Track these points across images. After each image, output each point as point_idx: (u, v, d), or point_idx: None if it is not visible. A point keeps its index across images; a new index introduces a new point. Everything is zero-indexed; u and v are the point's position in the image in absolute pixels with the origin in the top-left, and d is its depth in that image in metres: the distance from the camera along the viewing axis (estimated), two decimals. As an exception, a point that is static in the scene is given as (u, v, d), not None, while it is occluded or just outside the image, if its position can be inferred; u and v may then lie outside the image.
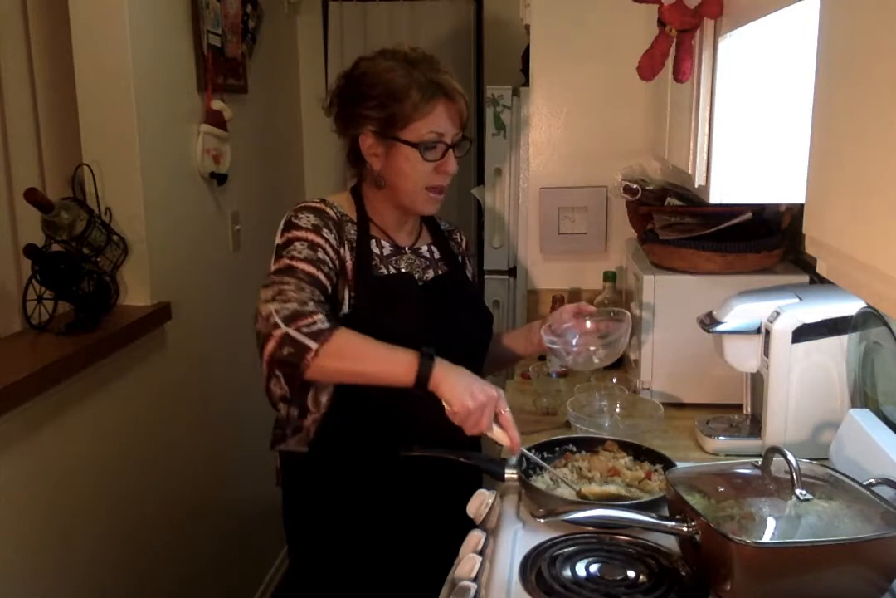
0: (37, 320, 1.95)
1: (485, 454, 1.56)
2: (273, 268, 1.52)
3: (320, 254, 1.52)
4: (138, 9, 2.11)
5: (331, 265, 1.53)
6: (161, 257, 2.23)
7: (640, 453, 1.55)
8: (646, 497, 1.41)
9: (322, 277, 1.50)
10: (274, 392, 1.63)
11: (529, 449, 1.52)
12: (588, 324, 1.72)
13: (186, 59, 2.40)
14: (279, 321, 1.40)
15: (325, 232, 1.55)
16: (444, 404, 1.40)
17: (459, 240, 1.81)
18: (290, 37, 3.42)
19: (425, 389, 1.40)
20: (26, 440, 1.75)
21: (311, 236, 1.53)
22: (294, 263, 1.50)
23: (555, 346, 1.69)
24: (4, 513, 1.69)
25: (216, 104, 2.50)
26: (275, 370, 1.58)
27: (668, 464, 1.49)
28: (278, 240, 1.56)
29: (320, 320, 1.41)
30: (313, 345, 1.39)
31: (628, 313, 1.72)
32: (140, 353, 2.16)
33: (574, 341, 1.70)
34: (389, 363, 1.42)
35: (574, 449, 1.56)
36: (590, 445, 1.57)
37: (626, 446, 1.56)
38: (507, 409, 1.44)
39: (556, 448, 1.56)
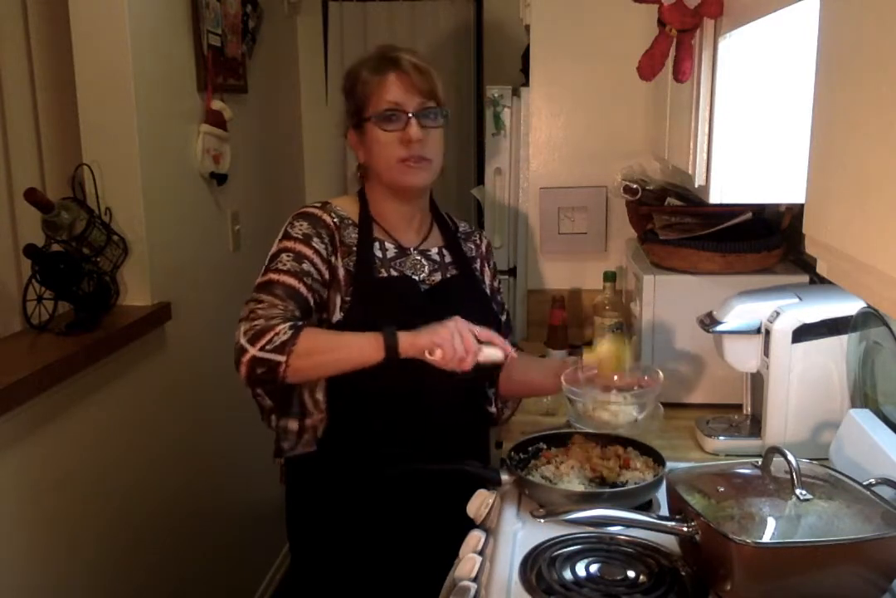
0: (37, 320, 1.95)
1: (478, 461, 1.56)
2: (256, 282, 1.56)
3: (305, 265, 1.54)
4: (138, 9, 2.11)
5: (316, 276, 1.55)
6: (161, 257, 2.23)
7: (608, 442, 1.55)
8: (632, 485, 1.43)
9: (303, 288, 1.53)
10: (264, 407, 1.66)
11: (509, 451, 1.54)
12: (615, 377, 1.58)
13: (186, 59, 2.40)
14: (245, 345, 1.45)
15: (314, 242, 1.56)
16: (426, 357, 1.41)
17: (479, 242, 1.78)
18: (290, 37, 3.41)
19: (398, 356, 1.42)
20: (26, 440, 1.75)
21: (299, 247, 1.55)
22: (275, 276, 1.53)
23: (575, 398, 1.57)
24: (5, 513, 1.70)
25: (216, 104, 2.50)
26: (256, 389, 1.63)
27: (636, 446, 1.52)
28: (272, 249, 1.59)
29: (282, 332, 1.44)
30: (281, 358, 1.43)
31: (661, 374, 1.59)
32: (140, 353, 2.16)
33: (597, 395, 1.56)
34: (355, 345, 1.45)
35: (545, 447, 1.56)
36: (559, 440, 1.58)
37: (592, 437, 1.57)
38: (476, 327, 1.45)
39: (529, 448, 1.57)
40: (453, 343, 1.40)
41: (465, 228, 1.78)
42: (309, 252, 1.55)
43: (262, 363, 1.44)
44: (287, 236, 1.58)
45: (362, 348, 1.43)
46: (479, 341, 1.44)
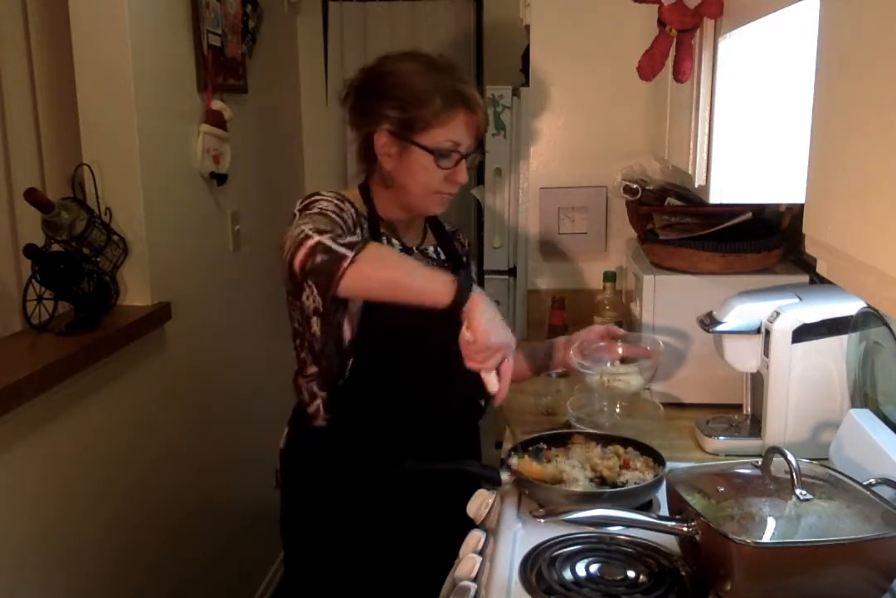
0: (37, 320, 1.95)
1: (477, 462, 1.56)
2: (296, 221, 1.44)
3: (345, 215, 1.51)
4: (138, 9, 2.11)
5: (351, 228, 1.51)
6: (161, 257, 2.23)
7: (609, 441, 1.56)
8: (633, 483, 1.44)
9: (343, 226, 1.48)
10: (307, 307, 1.57)
11: (509, 451, 1.53)
12: (620, 350, 1.75)
13: (186, 59, 2.40)
14: (311, 232, 1.34)
15: (345, 206, 1.54)
16: (464, 328, 1.35)
17: (463, 241, 1.81)
18: (290, 37, 3.41)
19: (458, 309, 1.33)
20: (27, 440, 1.75)
21: (335, 201, 1.52)
22: (316, 210, 1.48)
23: (587, 371, 1.70)
24: (5, 513, 1.70)
25: (216, 104, 2.50)
26: (307, 281, 1.41)
27: (636, 446, 1.53)
28: (298, 207, 1.52)
29: (354, 237, 1.38)
30: (349, 253, 1.32)
31: (661, 343, 1.72)
32: (140, 353, 2.16)
33: (608, 367, 1.71)
34: (428, 276, 1.37)
35: (546, 447, 1.56)
36: (560, 440, 1.58)
37: (592, 437, 1.58)
38: (512, 360, 1.41)
39: (530, 448, 1.56)
40: (487, 351, 1.35)
41: (449, 227, 1.80)
42: (343, 207, 1.53)
43: (327, 251, 1.31)
44: (317, 195, 1.53)
45: (433, 284, 1.34)
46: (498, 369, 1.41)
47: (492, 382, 1.41)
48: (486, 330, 1.34)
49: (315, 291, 1.53)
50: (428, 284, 1.35)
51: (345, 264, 1.31)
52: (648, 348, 1.74)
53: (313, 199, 1.53)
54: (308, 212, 1.48)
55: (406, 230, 1.67)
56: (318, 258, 1.32)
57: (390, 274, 1.37)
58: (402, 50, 1.64)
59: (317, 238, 1.33)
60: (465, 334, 1.35)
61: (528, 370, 1.84)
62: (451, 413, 1.65)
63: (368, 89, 1.60)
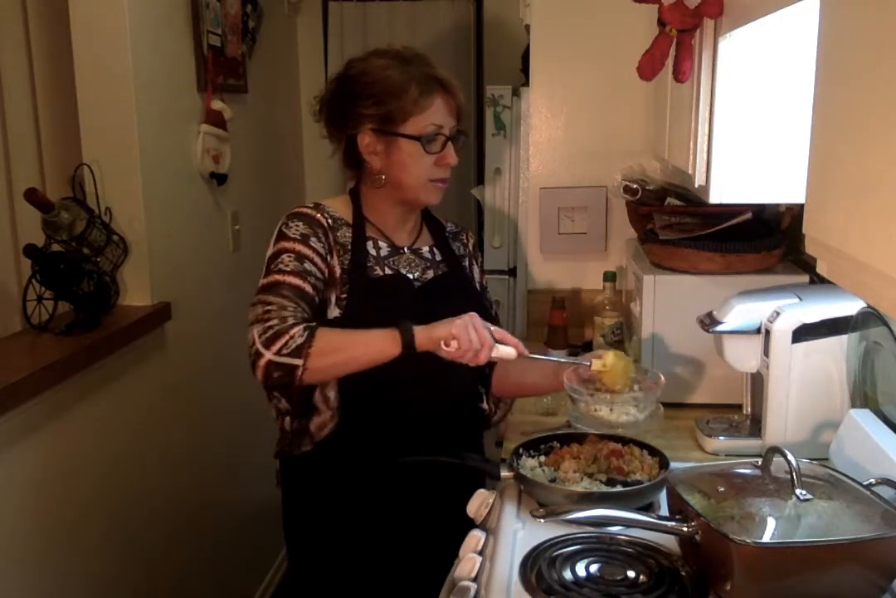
0: (37, 320, 1.95)
1: (479, 455, 1.56)
2: (260, 283, 1.55)
3: (307, 265, 1.55)
4: (138, 9, 2.11)
5: (318, 276, 1.56)
6: (161, 257, 2.23)
7: (624, 443, 1.55)
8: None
9: (309, 288, 1.54)
10: (279, 409, 1.66)
11: (518, 448, 1.53)
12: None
13: (186, 59, 2.40)
14: (260, 348, 1.45)
15: (312, 241, 1.57)
16: (442, 348, 1.42)
17: (466, 241, 1.80)
18: (290, 37, 3.42)
19: (414, 350, 1.43)
20: (26, 440, 1.75)
21: (299, 247, 1.56)
22: (280, 277, 1.53)
23: (577, 396, 1.60)
24: (5, 513, 1.69)
25: (216, 104, 2.50)
26: (273, 392, 1.64)
27: (651, 451, 1.52)
28: (269, 251, 1.59)
29: (297, 334, 1.44)
30: (298, 361, 1.43)
31: (663, 378, 1.61)
32: (140, 353, 2.16)
33: (599, 395, 1.58)
34: (372, 342, 1.45)
35: (558, 445, 1.56)
36: (571, 440, 1.57)
37: (606, 438, 1.56)
38: (491, 325, 1.47)
39: (541, 446, 1.56)
40: (469, 335, 1.41)
41: (451, 227, 1.80)
42: (309, 252, 1.56)
43: (279, 367, 1.44)
44: (284, 237, 1.58)
45: (379, 344, 1.44)
46: (494, 339, 1.46)
47: (504, 351, 1.47)
48: (448, 331, 1.41)
49: (283, 399, 1.64)
50: (375, 351, 1.45)
51: (299, 373, 1.44)
52: (648, 379, 1.62)
53: (280, 245, 1.57)
54: (266, 281, 1.54)
55: (398, 230, 1.68)
56: (275, 375, 1.45)
57: (340, 358, 1.47)
58: (365, 51, 1.67)
59: (266, 357, 1.44)
60: (446, 350, 1.42)
61: (541, 388, 1.78)
62: (441, 410, 1.64)
63: (343, 95, 1.63)
